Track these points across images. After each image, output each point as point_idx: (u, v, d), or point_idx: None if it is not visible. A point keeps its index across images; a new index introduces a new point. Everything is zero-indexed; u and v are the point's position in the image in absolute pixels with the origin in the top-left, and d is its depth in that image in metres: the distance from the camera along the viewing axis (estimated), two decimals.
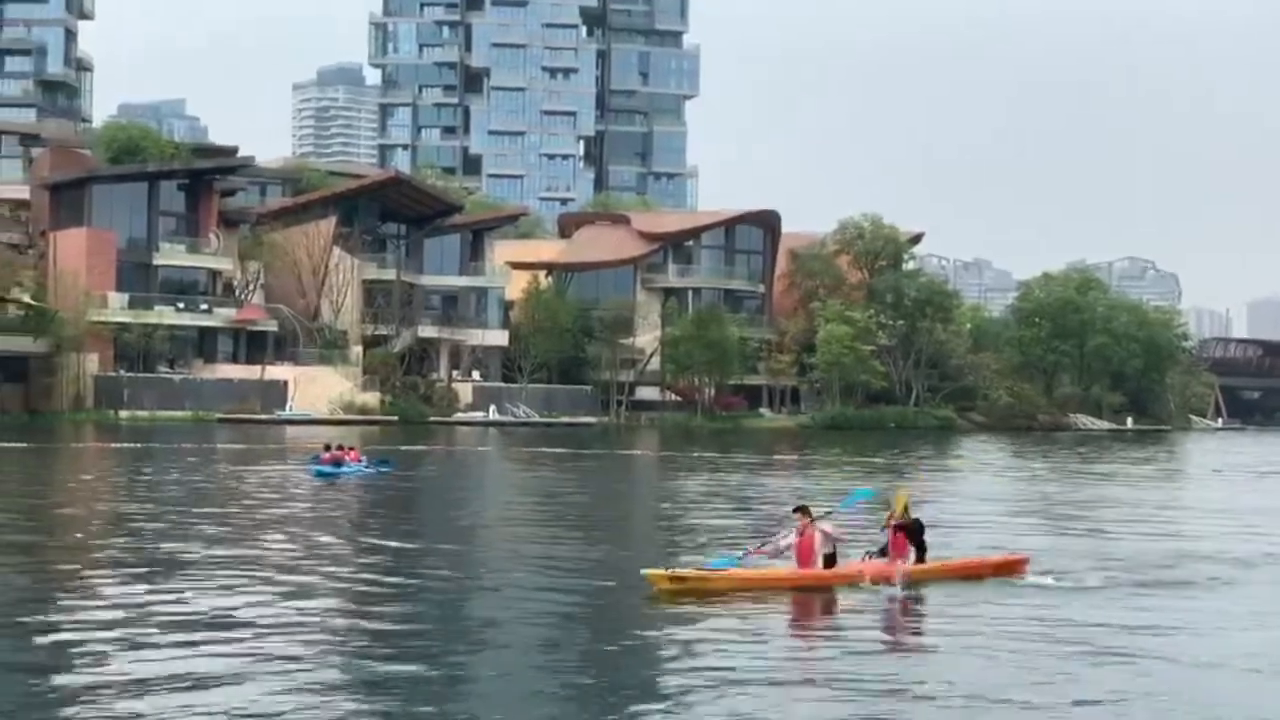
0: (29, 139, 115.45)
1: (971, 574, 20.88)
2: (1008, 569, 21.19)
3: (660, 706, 12.45)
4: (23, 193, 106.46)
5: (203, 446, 61.71)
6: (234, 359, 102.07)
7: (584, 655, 14.91)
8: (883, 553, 20.38)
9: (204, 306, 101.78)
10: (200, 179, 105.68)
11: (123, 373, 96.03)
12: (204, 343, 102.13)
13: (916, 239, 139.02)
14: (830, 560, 19.53)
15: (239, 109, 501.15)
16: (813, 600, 18.66)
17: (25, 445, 59.90)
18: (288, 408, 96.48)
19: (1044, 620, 17.29)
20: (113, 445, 63.32)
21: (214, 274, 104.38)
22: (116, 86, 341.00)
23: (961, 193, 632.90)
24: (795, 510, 20.28)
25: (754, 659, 14.66)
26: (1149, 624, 17.12)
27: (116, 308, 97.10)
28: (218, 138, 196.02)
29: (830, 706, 12.60)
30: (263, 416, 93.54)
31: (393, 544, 24.34)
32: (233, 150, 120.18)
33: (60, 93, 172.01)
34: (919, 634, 16.99)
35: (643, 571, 19.00)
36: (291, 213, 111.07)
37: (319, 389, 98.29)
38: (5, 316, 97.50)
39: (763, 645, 15.75)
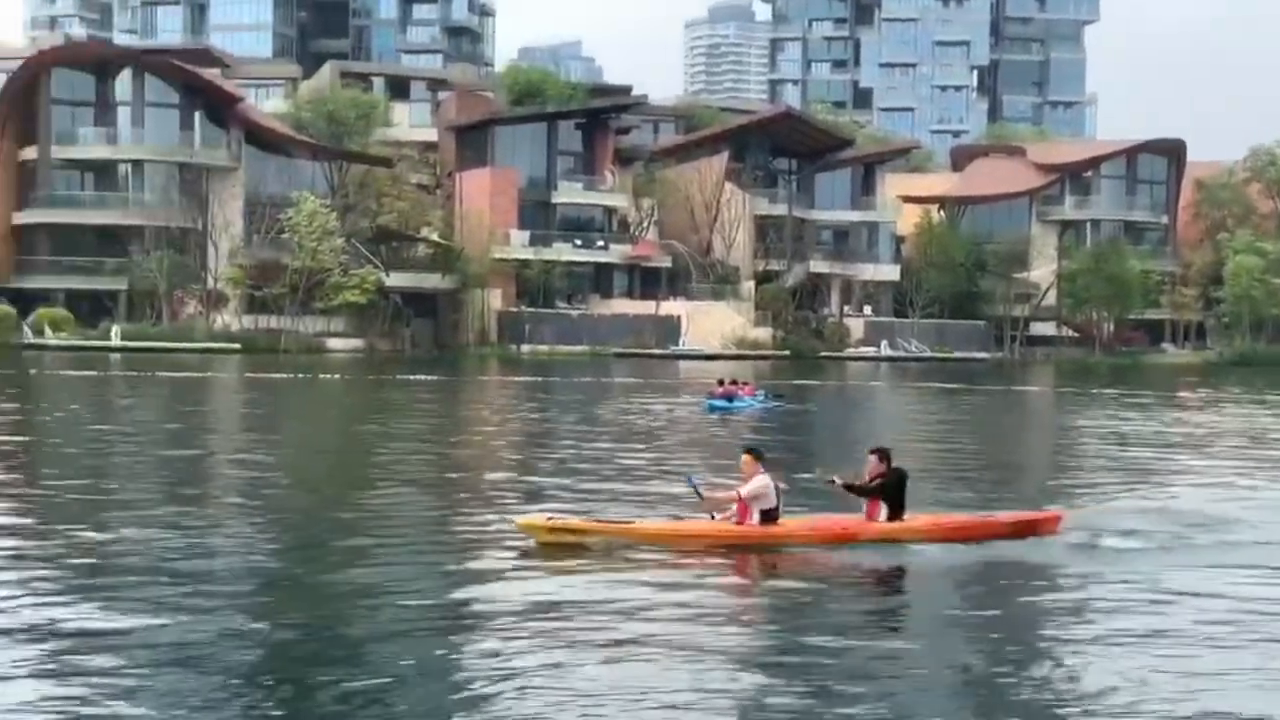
0: (436, 84, 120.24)
1: (969, 535, 16.94)
2: (1029, 529, 17.20)
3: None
4: (431, 136, 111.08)
5: (600, 380, 63.32)
6: (629, 295, 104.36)
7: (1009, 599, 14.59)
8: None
9: (600, 243, 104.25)
10: (596, 118, 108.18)
11: (524, 308, 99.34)
12: (600, 279, 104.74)
13: None
14: (771, 515, 16.39)
15: (633, 49, 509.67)
16: (749, 561, 15.72)
17: (435, 378, 62.67)
18: (681, 343, 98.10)
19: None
20: (514, 379, 65.58)
21: (609, 211, 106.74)
22: (517, 31, 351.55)
23: None
24: (746, 452, 16.91)
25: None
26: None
27: (518, 245, 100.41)
28: (612, 78, 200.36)
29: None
30: (656, 351, 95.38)
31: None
32: (627, 89, 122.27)
33: (464, 38, 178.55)
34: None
35: (517, 520, 16.54)
36: (684, 150, 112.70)
37: (711, 324, 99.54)
38: (416, 255, 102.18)
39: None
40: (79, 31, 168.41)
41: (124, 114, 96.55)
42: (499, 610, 12.87)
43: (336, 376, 63.16)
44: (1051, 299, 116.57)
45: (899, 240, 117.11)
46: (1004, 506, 19.66)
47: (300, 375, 61.33)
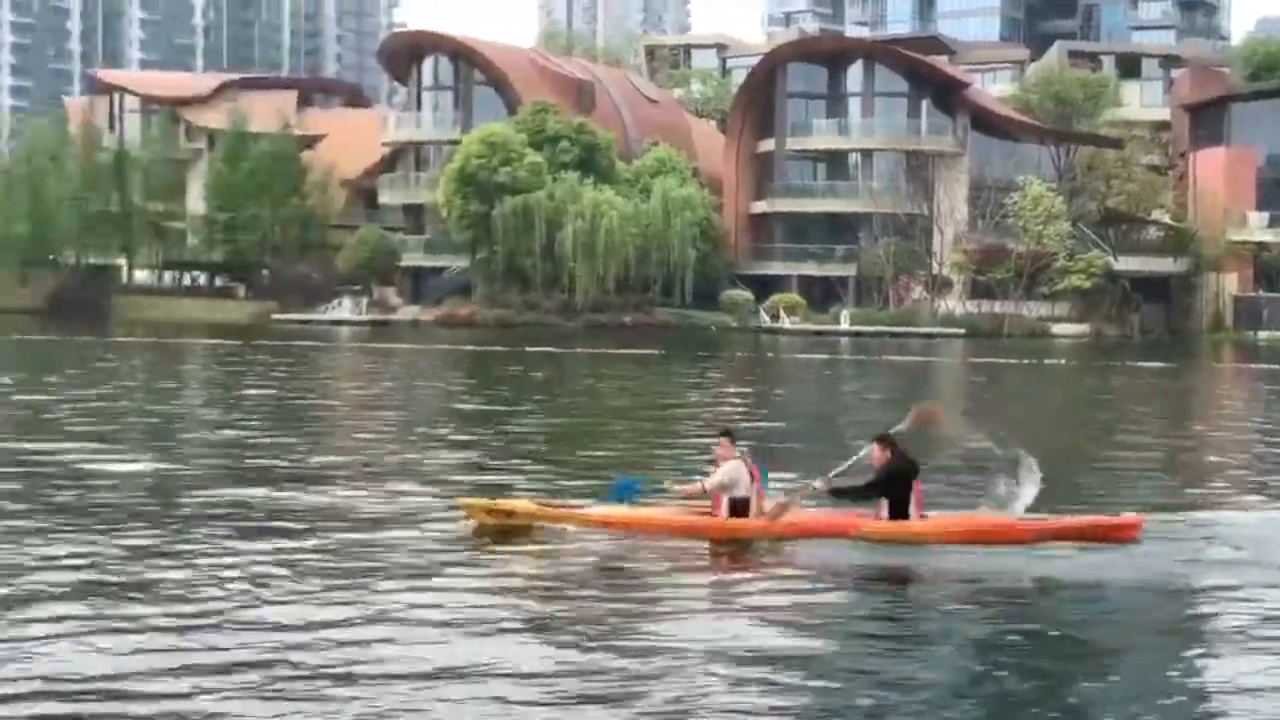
0: (1169, 61, 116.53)
1: (997, 539, 14.55)
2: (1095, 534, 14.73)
3: None
4: (1163, 115, 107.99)
5: None
6: None
7: None
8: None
9: None
10: None
11: (1261, 293, 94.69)
12: None
13: None
14: (743, 507, 14.74)
15: None
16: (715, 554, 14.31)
17: (1161, 365, 60.70)
18: None
19: None
20: (1247, 366, 62.56)
21: None
22: (1256, 1, 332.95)
23: None
24: (720, 434, 15.35)
25: None
26: None
27: (1256, 227, 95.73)
28: None
29: None
30: None
31: None
32: None
33: (1199, 12, 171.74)
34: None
35: (456, 501, 15.91)
36: None
37: None
38: (1146, 237, 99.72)
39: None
40: (812, 26, 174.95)
41: (854, 104, 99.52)
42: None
43: (1061, 362, 62.45)
44: None
45: None
46: None
47: (1024, 360, 61.13)
